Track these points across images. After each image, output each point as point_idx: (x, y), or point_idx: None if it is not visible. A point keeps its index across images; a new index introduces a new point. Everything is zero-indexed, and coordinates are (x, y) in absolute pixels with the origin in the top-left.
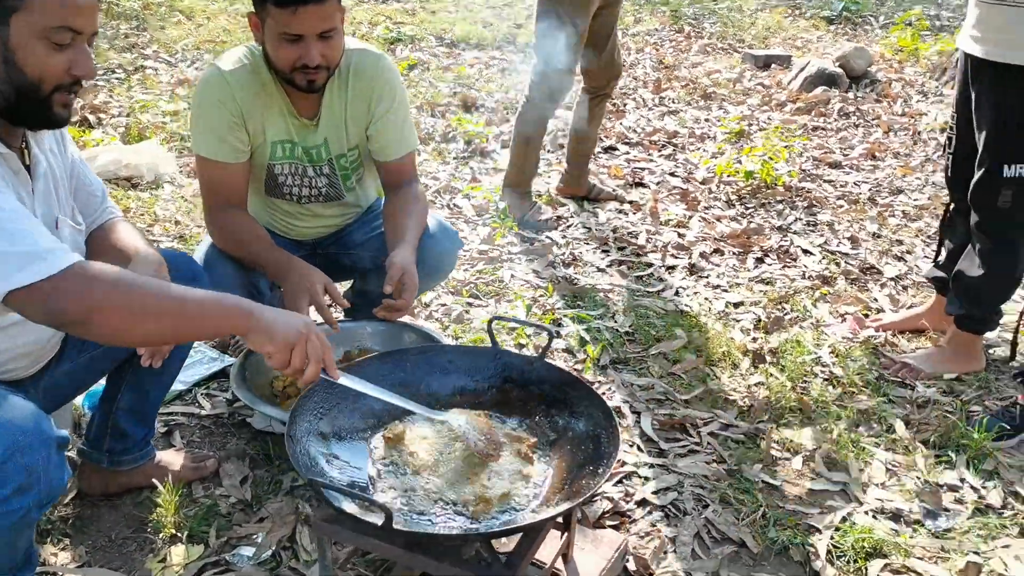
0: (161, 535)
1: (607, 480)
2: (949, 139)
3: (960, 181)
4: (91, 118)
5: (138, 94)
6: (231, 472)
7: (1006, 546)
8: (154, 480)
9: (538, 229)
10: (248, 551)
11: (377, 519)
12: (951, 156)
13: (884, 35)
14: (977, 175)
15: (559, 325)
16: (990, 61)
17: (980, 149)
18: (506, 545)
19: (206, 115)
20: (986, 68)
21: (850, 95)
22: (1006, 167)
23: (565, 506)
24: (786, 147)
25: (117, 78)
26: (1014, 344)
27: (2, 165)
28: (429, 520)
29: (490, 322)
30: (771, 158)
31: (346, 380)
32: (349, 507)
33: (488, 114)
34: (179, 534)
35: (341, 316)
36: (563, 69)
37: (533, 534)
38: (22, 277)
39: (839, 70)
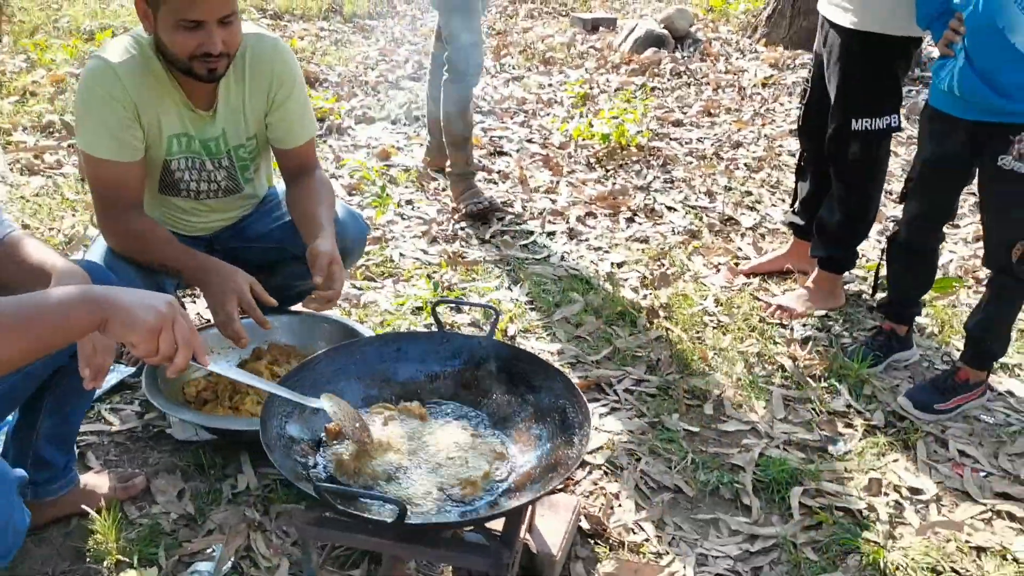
0: (105, 563)
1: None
2: (804, 91)
3: (809, 131)
4: None
5: None
6: (164, 487)
7: (895, 460)
8: (84, 507)
9: (479, 213)
10: (206, 566)
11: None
12: (804, 108)
13: None
14: (830, 129)
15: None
16: (839, 25)
17: (832, 104)
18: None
19: (95, 111)
20: (836, 31)
21: (678, 55)
22: (854, 121)
23: (556, 479)
24: (636, 110)
25: None
26: (875, 283)
27: None
28: (431, 511)
29: (434, 306)
30: (623, 120)
31: (217, 367)
32: (354, 508)
33: (334, 89)
34: (126, 559)
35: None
36: (475, 40)
37: (522, 511)
38: None
39: (665, 31)
